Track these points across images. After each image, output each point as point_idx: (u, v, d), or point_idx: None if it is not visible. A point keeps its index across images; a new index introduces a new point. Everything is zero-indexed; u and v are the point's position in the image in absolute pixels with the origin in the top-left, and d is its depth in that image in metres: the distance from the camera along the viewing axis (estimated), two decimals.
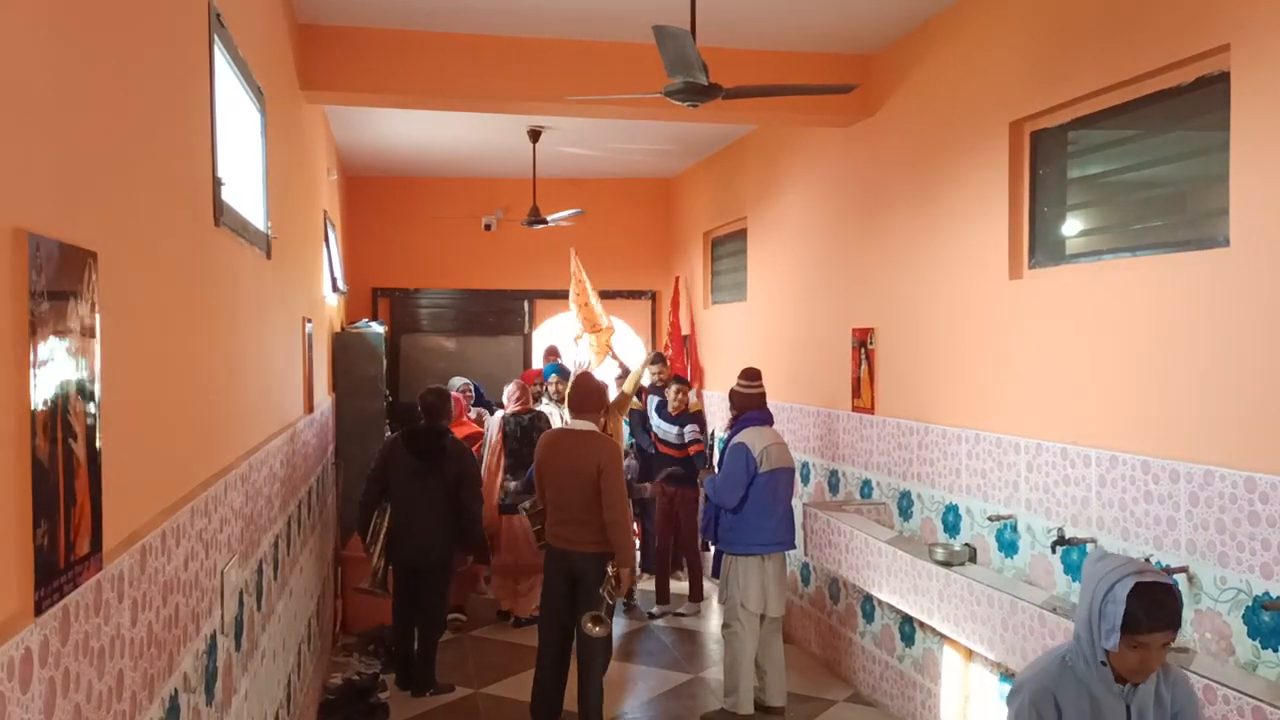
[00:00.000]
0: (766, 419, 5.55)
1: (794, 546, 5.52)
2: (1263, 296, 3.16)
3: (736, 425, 5.54)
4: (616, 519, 4.94)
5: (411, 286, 10.07)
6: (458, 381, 8.25)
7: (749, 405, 5.55)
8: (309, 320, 5.30)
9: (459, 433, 6.62)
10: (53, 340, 1.42)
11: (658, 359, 8.11)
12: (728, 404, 5.71)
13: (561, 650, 5.18)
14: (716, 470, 6.61)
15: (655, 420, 7.53)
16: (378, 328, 7.83)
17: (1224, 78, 3.37)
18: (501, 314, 10.31)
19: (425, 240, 9.95)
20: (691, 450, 7.36)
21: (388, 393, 7.81)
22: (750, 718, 5.30)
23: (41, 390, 1.38)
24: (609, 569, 4.99)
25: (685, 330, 9.60)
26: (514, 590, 7.21)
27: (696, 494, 7.27)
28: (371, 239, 9.85)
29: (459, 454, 5.82)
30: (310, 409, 5.25)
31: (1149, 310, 3.64)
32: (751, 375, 5.64)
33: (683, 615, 7.33)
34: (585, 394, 5.25)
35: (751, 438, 5.36)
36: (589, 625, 4.90)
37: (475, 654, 6.54)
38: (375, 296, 9.95)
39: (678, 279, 9.82)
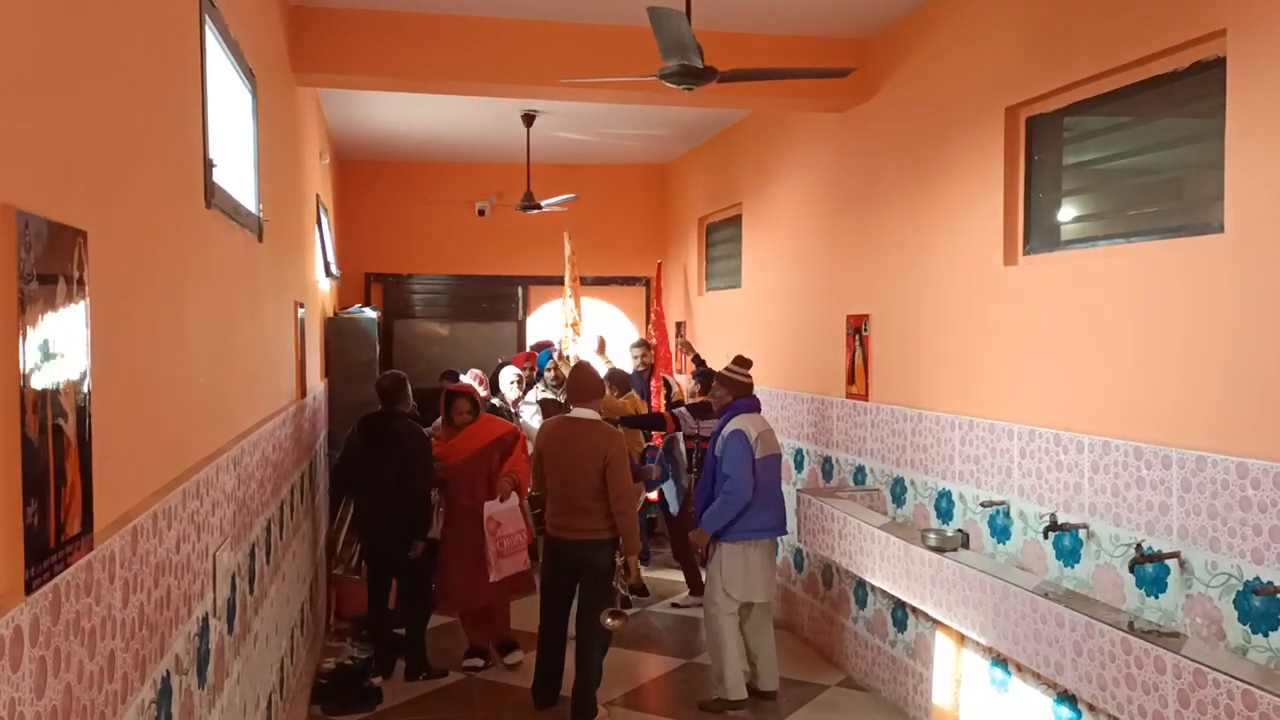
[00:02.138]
0: (756, 406, 5.54)
1: (786, 532, 5.52)
2: (1257, 283, 3.16)
3: (728, 412, 5.52)
4: (625, 509, 4.99)
5: (405, 272, 10.04)
6: (511, 373, 8.09)
7: (741, 392, 5.54)
8: (301, 304, 5.28)
9: (494, 431, 6.04)
10: (42, 319, 1.41)
11: (640, 344, 8.28)
12: (716, 385, 5.67)
13: (562, 635, 5.23)
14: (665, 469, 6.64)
15: (699, 423, 7.24)
16: (371, 313, 7.81)
17: (1220, 63, 3.37)
18: (495, 299, 10.30)
19: (419, 225, 9.92)
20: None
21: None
22: (743, 703, 5.32)
23: (30, 368, 1.37)
24: (618, 559, 5.01)
25: (680, 317, 9.58)
26: None
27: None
28: (364, 224, 9.81)
29: (408, 435, 5.78)
30: (303, 394, 5.24)
31: (1143, 296, 3.64)
32: (744, 363, 5.64)
33: (680, 606, 7.27)
34: (585, 383, 5.25)
35: (745, 424, 5.36)
36: (608, 620, 4.94)
37: (467, 639, 6.54)
38: (368, 282, 9.93)
39: (659, 265, 9.81)
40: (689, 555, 7.25)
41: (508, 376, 8.04)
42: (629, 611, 7.00)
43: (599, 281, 10.27)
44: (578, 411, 5.19)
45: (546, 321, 10.14)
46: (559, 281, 9.96)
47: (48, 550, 1.42)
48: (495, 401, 7.89)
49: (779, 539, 5.57)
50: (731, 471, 5.29)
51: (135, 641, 1.89)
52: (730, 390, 5.57)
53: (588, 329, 9.26)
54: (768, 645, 5.48)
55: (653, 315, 9.74)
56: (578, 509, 5.01)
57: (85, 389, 1.60)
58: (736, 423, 5.38)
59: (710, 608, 5.41)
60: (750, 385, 5.58)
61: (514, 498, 5.81)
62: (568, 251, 9.05)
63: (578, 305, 9.07)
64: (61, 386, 1.49)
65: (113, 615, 1.74)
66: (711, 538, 5.38)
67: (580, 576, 5.10)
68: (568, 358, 8.46)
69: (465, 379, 7.78)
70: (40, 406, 1.40)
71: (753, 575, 5.35)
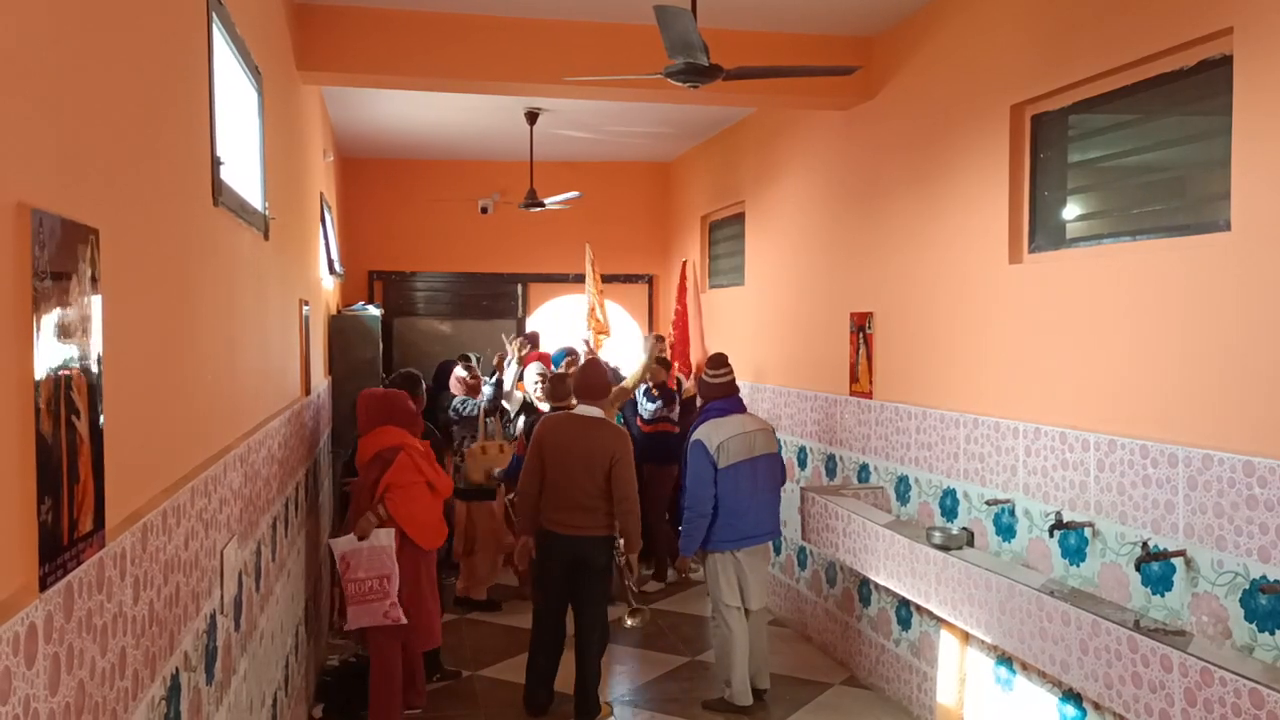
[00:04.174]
0: (731, 408, 5.40)
1: (773, 538, 5.44)
2: (1263, 281, 3.16)
3: (698, 419, 5.47)
4: (631, 508, 4.99)
5: (407, 269, 10.04)
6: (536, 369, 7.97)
7: (713, 395, 5.44)
8: (306, 302, 5.28)
9: (373, 446, 4.89)
10: (55, 316, 1.41)
11: (659, 340, 8.27)
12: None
13: (559, 635, 5.20)
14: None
15: (641, 401, 7.62)
16: (374, 311, 7.81)
17: (1226, 61, 3.36)
18: (496, 297, 10.30)
19: (421, 223, 9.92)
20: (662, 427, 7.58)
21: (384, 376, 7.79)
22: (748, 709, 5.30)
23: (44, 367, 1.37)
24: (619, 559, 5.01)
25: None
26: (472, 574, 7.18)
27: (669, 471, 7.40)
28: (367, 222, 9.82)
29: (424, 434, 5.77)
30: (307, 391, 5.24)
31: (1149, 294, 3.64)
32: (718, 363, 5.51)
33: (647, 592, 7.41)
34: (594, 381, 5.23)
35: (708, 432, 5.27)
36: (629, 621, 4.98)
37: (471, 636, 6.56)
38: (371, 279, 9.93)
39: (685, 264, 9.68)
40: (662, 539, 7.63)
41: (532, 375, 7.98)
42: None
43: (602, 279, 10.27)
44: (584, 409, 5.17)
45: (553, 320, 10.15)
46: (560, 279, 10.02)
47: (61, 547, 1.42)
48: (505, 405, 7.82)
49: (778, 541, 5.52)
50: (688, 485, 5.29)
51: (145, 638, 1.90)
52: (701, 394, 5.54)
53: (612, 334, 9.38)
54: (760, 647, 5.43)
55: (674, 313, 9.62)
56: (578, 506, 5.00)
57: (97, 386, 1.60)
58: (699, 431, 5.31)
59: (715, 617, 5.41)
60: (723, 386, 5.45)
61: (382, 536, 4.70)
62: (589, 257, 9.17)
63: (603, 310, 9.21)
64: (74, 384, 1.49)
65: (124, 612, 1.75)
66: (699, 549, 5.36)
67: (575, 574, 5.08)
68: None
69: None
70: (54, 404, 1.40)
71: (744, 581, 5.32)
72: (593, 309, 9.28)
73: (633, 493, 4.98)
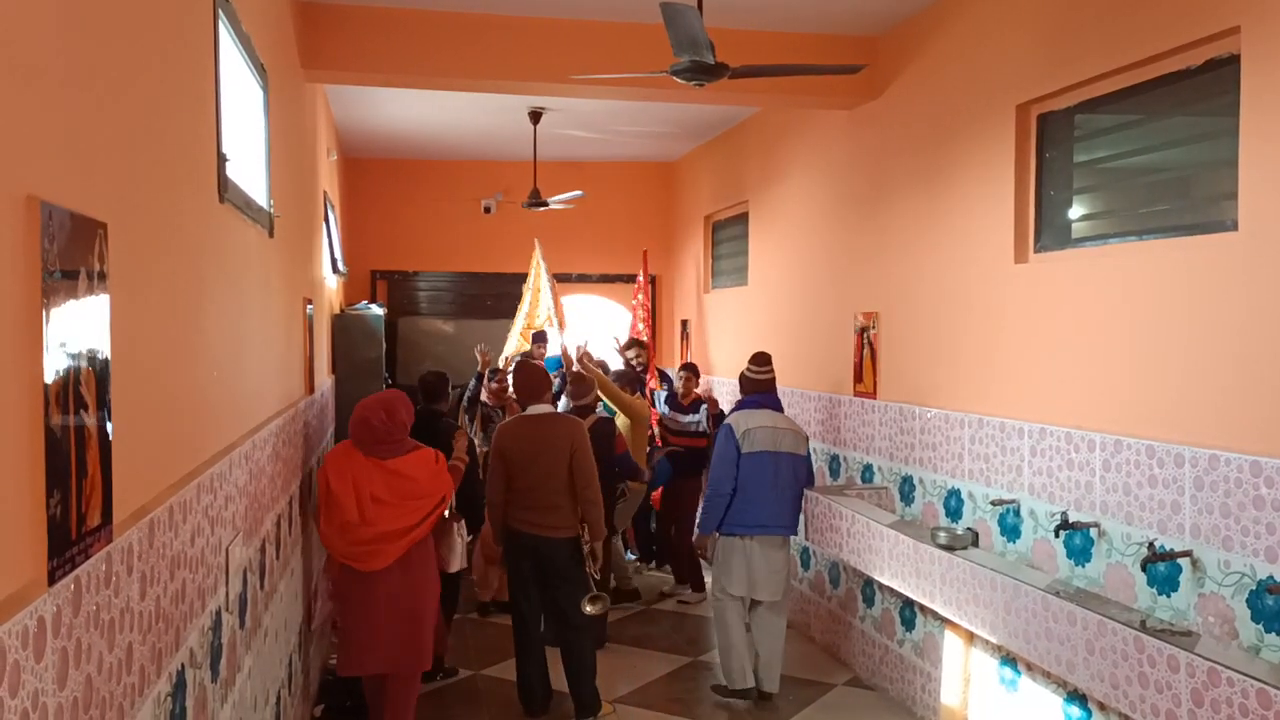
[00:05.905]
0: (764, 403, 5.50)
1: (789, 532, 5.45)
2: (1270, 281, 3.15)
3: (733, 409, 5.57)
4: (593, 496, 5.03)
5: (410, 269, 10.05)
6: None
7: (752, 389, 5.57)
8: (310, 301, 5.28)
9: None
10: (64, 310, 1.41)
11: (634, 344, 8.17)
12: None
13: (537, 635, 5.18)
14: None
15: (665, 411, 7.54)
16: (377, 310, 7.80)
17: (1234, 60, 3.35)
18: (500, 297, 10.26)
19: (424, 223, 9.92)
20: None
21: (387, 375, 7.78)
22: (747, 691, 5.33)
23: (54, 360, 1.36)
24: (585, 547, 5.02)
25: (687, 314, 9.53)
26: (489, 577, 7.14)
27: (699, 484, 7.28)
28: (371, 221, 9.82)
29: (454, 435, 5.76)
30: (311, 390, 5.24)
31: (1156, 294, 3.63)
32: (759, 360, 5.63)
33: (686, 602, 7.32)
34: (536, 381, 5.29)
35: (737, 419, 5.39)
36: (587, 608, 4.96)
37: (473, 636, 6.55)
38: (374, 279, 9.93)
39: (645, 253, 9.61)
40: (677, 547, 7.48)
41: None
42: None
43: (604, 279, 10.28)
44: (534, 409, 5.19)
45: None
46: (563, 279, 9.99)
47: (69, 541, 1.42)
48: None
49: (790, 538, 5.53)
50: (712, 465, 5.39)
51: (152, 634, 1.89)
52: (741, 389, 5.64)
53: (571, 328, 9.24)
54: (770, 645, 5.44)
55: (641, 310, 9.45)
56: (544, 505, 5.00)
57: (106, 381, 1.60)
58: (731, 418, 5.46)
59: (712, 602, 5.47)
60: (759, 383, 5.56)
61: None
62: (540, 254, 8.93)
63: (556, 304, 9.01)
64: (83, 378, 1.49)
65: (130, 608, 1.74)
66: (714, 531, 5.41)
67: (547, 577, 5.06)
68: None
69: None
70: (63, 398, 1.40)
71: (753, 570, 5.33)
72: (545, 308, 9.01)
73: (593, 481, 5.02)
